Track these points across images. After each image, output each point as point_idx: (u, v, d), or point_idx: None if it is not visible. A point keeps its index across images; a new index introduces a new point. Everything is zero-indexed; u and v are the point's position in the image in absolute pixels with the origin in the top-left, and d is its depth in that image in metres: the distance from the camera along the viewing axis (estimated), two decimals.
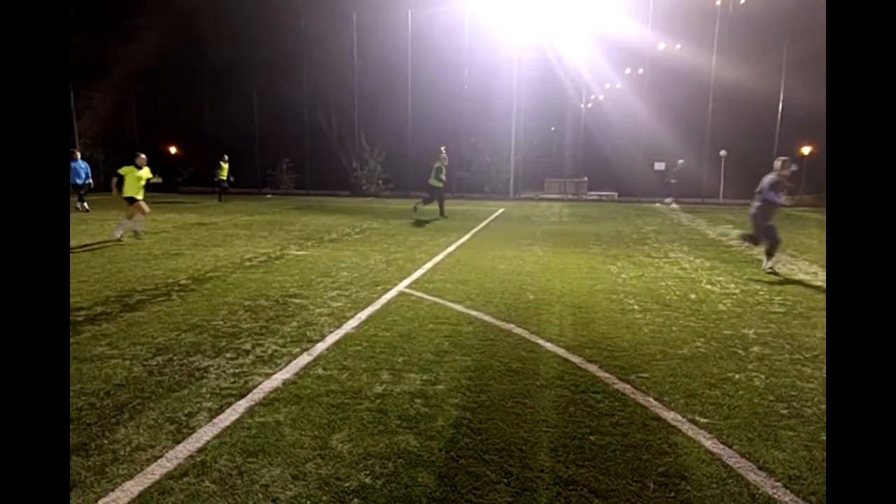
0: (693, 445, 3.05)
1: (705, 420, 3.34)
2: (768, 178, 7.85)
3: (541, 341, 4.77)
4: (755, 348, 4.66)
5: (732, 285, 7.08)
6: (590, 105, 27.02)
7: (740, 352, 4.57)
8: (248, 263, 8.20)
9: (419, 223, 13.82)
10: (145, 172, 10.56)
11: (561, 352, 4.52)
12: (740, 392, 3.76)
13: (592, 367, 4.18)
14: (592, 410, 3.47)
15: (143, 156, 10.55)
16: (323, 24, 24.95)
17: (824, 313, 5.76)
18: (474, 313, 5.62)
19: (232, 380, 3.86)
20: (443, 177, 14.39)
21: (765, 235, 7.98)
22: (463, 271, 7.76)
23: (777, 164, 7.89)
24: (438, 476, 2.73)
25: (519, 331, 5.06)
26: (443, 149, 14.97)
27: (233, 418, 3.29)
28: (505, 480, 2.71)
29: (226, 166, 21.30)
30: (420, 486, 2.65)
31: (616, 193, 24.44)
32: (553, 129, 30.57)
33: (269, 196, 24.79)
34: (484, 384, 3.85)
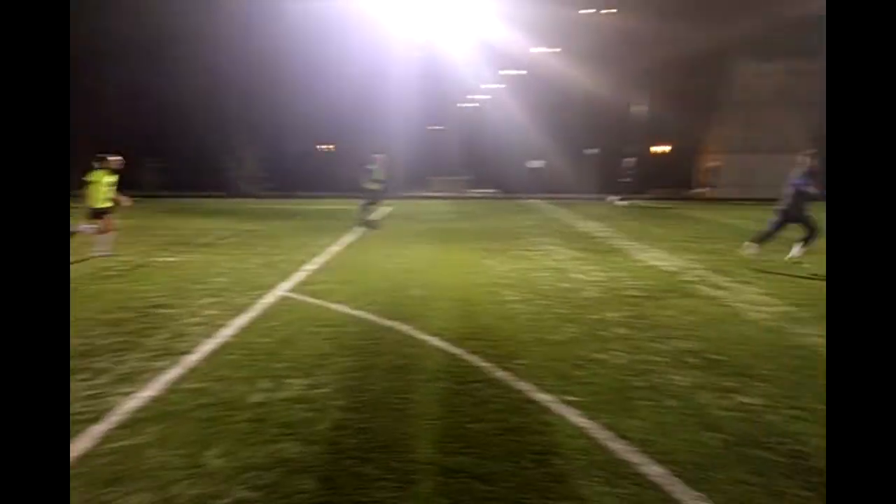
0: (564, 423, 3.29)
1: (574, 399, 3.60)
2: (799, 171, 8.12)
3: (426, 336, 4.86)
4: (617, 329, 5.11)
5: (600, 274, 7.68)
6: (472, 105, 27.86)
7: (605, 334, 4.99)
8: (106, 273, 7.48)
9: (300, 227, 13.41)
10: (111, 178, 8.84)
11: (445, 345, 4.64)
12: (605, 370, 4.10)
13: (474, 358, 4.33)
14: (474, 399, 3.61)
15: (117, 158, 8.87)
16: (194, 16, 23.34)
17: (675, 295, 6.45)
18: (358, 313, 5.59)
19: (85, 403, 3.51)
20: (378, 178, 14.03)
21: (805, 223, 8.13)
22: (347, 272, 7.68)
23: (803, 158, 8.26)
24: (321, 480, 2.70)
25: (404, 328, 5.11)
26: (377, 154, 14.57)
27: (86, 446, 3.00)
28: (388, 476, 2.74)
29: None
30: (302, 492, 2.60)
31: (497, 191, 25.45)
32: (436, 128, 31.10)
33: (127, 200, 22.68)
34: (368, 383, 3.85)
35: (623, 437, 3.12)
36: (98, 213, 8.70)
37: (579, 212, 17.28)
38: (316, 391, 3.71)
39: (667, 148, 24.76)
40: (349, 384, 3.84)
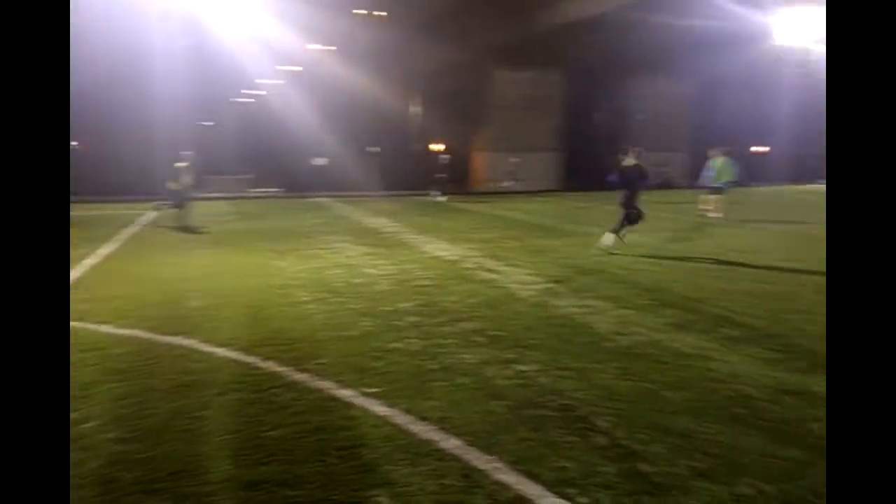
0: (366, 415, 3.36)
1: (375, 390, 3.70)
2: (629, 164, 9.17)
3: (213, 348, 4.50)
4: (410, 318, 5.36)
5: (390, 267, 7.94)
6: (250, 100, 26.26)
7: (399, 324, 5.20)
8: None
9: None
10: None
11: (236, 355, 4.36)
12: (401, 358, 4.29)
13: (270, 364, 4.16)
14: (272, 406, 3.47)
15: None
16: None
17: (458, 281, 6.99)
18: (128, 332, 4.93)
19: None
20: (185, 179, 12.71)
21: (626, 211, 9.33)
22: (111, 285, 6.69)
23: (632, 152, 9.33)
24: None
25: (186, 342, 4.66)
26: (185, 152, 13.02)
27: None
28: None
29: None
30: None
31: (281, 189, 24.50)
32: (206, 123, 28.60)
33: None
34: (148, 408, 3.44)
35: (423, 418, 3.30)
36: None
37: (366, 208, 17.59)
38: (81, 426, 3.19)
39: (442, 146, 26.55)
40: (123, 412, 3.38)
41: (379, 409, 3.43)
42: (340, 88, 23.79)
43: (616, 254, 8.90)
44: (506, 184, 25.36)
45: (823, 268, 6.50)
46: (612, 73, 27.77)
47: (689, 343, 4.62)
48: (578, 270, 7.67)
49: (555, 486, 2.62)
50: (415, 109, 26.19)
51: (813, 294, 6.23)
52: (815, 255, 8.72)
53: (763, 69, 28.39)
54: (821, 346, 4.51)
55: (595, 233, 11.45)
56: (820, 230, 11.70)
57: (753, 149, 30.39)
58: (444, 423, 3.23)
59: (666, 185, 29.17)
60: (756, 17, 18.81)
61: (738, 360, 4.24)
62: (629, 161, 9.49)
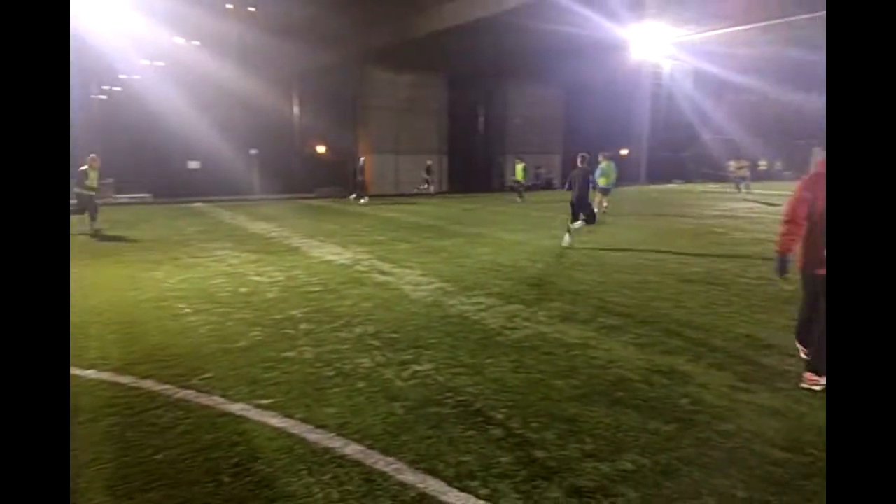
0: (261, 428, 3.21)
1: (269, 401, 3.56)
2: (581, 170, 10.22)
3: (78, 371, 4.05)
4: (302, 325, 5.21)
5: (277, 274, 7.65)
6: (103, 97, 23.89)
7: (291, 331, 5.03)
8: None
9: None
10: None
11: (107, 376, 3.97)
12: (295, 367, 4.15)
13: (149, 383, 3.84)
14: (154, 428, 3.21)
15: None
16: None
17: (351, 285, 6.91)
18: None
19: None
20: (89, 183, 12.04)
21: (585, 211, 10.27)
22: None
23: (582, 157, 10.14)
24: None
25: None
26: (92, 154, 12.39)
27: None
28: None
29: None
30: None
31: (150, 195, 22.62)
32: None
33: None
34: None
35: (320, 426, 3.23)
36: None
37: (247, 213, 16.77)
38: None
39: (322, 148, 26.00)
40: None
41: (274, 420, 3.31)
42: (214, 87, 22.45)
43: (573, 248, 9.28)
44: (424, 186, 25.65)
45: (683, 258, 7.20)
46: (491, 77, 28.91)
47: (573, 334, 4.95)
48: (468, 270, 7.89)
49: (456, 481, 2.69)
50: (295, 111, 25.39)
51: (676, 283, 6.93)
52: (675, 246, 9.70)
53: (624, 78, 31.03)
54: (684, 330, 5.04)
55: (483, 233, 11.84)
56: (677, 224, 13.03)
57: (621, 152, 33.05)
58: (343, 430, 3.19)
59: (546, 186, 30.91)
60: (617, 30, 20.52)
61: (615, 346, 4.61)
62: (580, 165, 10.51)
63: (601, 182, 14.84)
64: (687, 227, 12.67)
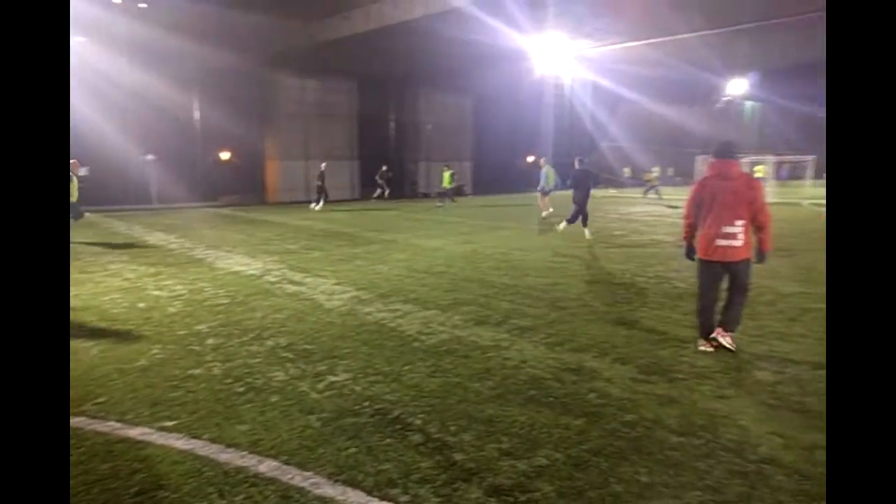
0: (165, 452, 3.02)
1: (173, 423, 3.35)
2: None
3: None
4: (209, 340, 4.95)
5: (180, 287, 7.21)
6: None
7: (197, 347, 4.76)
8: None
9: None
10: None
11: None
12: (202, 385, 3.94)
13: None
14: None
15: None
16: None
17: (262, 296, 6.65)
18: None
19: None
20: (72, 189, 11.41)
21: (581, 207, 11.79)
22: None
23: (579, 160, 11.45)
24: None
25: None
26: (73, 160, 11.49)
27: None
28: None
29: None
30: None
31: None
32: None
33: None
34: None
35: (231, 445, 3.09)
36: None
37: (144, 223, 15.69)
38: None
39: (227, 154, 24.87)
40: None
41: (179, 443, 3.11)
42: (104, 87, 20.80)
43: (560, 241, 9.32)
44: (377, 193, 25.54)
45: (586, 260, 7.59)
46: (403, 83, 29.03)
47: (487, 336, 5.06)
48: (384, 277, 7.86)
49: (376, 490, 2.66)
50: (197, 114, 24.10)
51: (581, 283, 7.29)
52: (580, 249, 10.21)
53: (530, 88, 32.27)
54: (590, 328, 5.31)
55: (397, 240, 11.83)
56: (579, 229, 13.71)
57: (528, 159, 34.29)
58: (256, 447, 3.07)
59: (457, 193, 31.35)
60: (521, 41, 21.33)
61: (527, 346, 4.78)
62: (578, 167, 11.83)
63: (545, 184, 16.39)
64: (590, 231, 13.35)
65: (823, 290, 6.75)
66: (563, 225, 12.19)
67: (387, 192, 25.51)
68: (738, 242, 4.43)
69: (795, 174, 38.19)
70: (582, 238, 11.90)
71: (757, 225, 4.49)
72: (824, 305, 5.99)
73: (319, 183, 20.46)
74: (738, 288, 4.58)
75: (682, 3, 18.65)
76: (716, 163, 4.61)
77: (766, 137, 51.49)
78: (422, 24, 18.43)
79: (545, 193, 16.56)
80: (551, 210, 16.37)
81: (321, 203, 20.32)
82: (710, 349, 4.61)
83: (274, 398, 3.72)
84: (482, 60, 24.04)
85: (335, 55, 22.93)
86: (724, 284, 4.67)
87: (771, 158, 29.81)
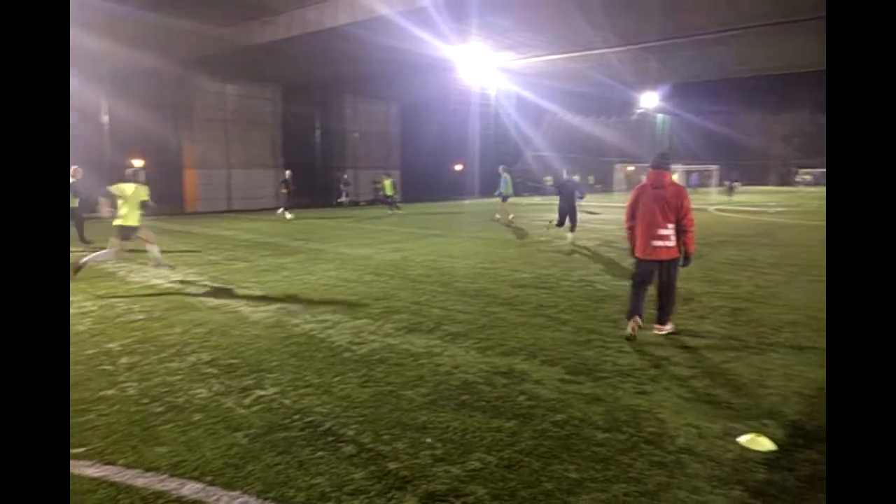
0: (75, 481, 2.80)
1: (83, 449, 3.11)
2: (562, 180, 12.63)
3: None
4: (123, 359, 4.65)
5: (89, 303, 6.73)
6: None
7: (109, 367, 4.46)
8: None
9: None
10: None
11: None
12: (115, 407, 3.69)
13: None
14: None
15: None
16: None
17: (182, 310, 6.32)
18: None
19: None
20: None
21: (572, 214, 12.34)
22: None
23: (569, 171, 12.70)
24: None
25: None
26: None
27: None
28: None
29: None
30: None
31: None
32: None
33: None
34: None
35: (150, 469, 2.91)
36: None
37: None
38: None
39: (141, 162, 23.54)
40: None
41: (90, 470, 2.90)
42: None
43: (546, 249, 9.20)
44: (344, 199, 25.58)
45: (514, 266, 7.79)
46: (328, 90, 28.62)
47: (419, 343, 5.07)
48: (312, 287, 7.69)
49: None
50: (105, 118, 22.64)
51: (510, 288, 7.45)
52: (508, 255, 10.44)
53: (457, 98, 32.76)
54: (519, 331, 5.44)
55: (325, 249, 11.62)
56: (508, 235, 14.02)
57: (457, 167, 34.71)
58: (177, 469, 2.91)
59: (381, 201, 31.20)
60: (447, 51, 21.63)
61: (459, 352, 4.82)
62: (566, 177, 12.87)
63: (504, 191, 17.41)
64: (516, 238, 13.69)
65: (728, 289, 7.28)
66: (553, 230, 13.23)
67: (346, 199, 26.05)
68: (671, 243, 5.00)
69: (702, 182, 40.94)
70: (512, 245, 12.17)
71: (682, 229, 5.00)
72: (730, 304, 6.40)
73: (285, 190, 20.18)
74: (668, 286, 5.13)
75: (599, 21, 19.61)
76: (652, 173, 5.13)
77: (675, 148, 54.99)
78: (347, 32, 18.29)
79: (504, 199, 17.51)
80: (512, 216, 17.34)
81: (284, 210, 20.03)
82: (633, 331, 5.10)
83: (196, 416, 3.54)
84: (409, 69, 24.16)
85: (257, 60, 22.27)
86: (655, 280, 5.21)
87: (681, 167, 31.82)
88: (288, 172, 20.83)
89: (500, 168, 17.94)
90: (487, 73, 29.77)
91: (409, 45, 19.58)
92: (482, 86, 32.99)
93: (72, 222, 11.56)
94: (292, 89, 27.02)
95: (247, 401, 3.80)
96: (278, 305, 6.59)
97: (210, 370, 4.39)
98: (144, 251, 8.76)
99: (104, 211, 8.53)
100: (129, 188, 7.87)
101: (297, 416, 3.55)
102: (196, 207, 24.28)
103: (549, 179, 29.28)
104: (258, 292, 7.34)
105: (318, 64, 23.00)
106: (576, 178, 13.53)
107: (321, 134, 29.23)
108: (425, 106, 32.50)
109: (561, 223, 12.70)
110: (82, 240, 11.94)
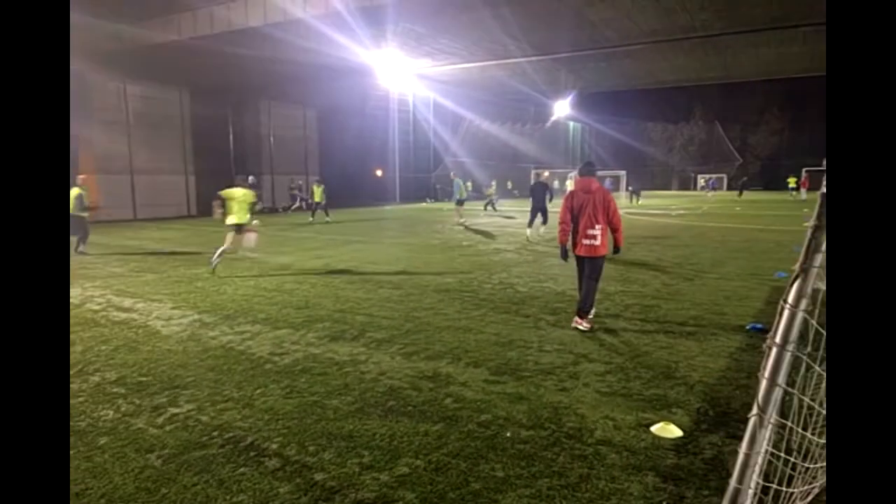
0: None
1: None
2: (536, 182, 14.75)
3: None
4: None
5: None
6: None
7: None
8: None
9: None
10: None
11: None
12: None
13: None
14: None
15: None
16: None
17: (82, 327, 5.86)
18: None
19: None
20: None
21: (543, 212, 14.35)
22: None
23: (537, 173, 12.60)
24: None
25: None
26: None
27: None
28: None
29: None
30: None
31: None
32: None
33: None
34: None
35: None
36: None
37: None
38: None
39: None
40: None
41: None
42: None
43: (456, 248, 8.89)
44: (295, 205, 25.54)
45: (438, 271, 7.87)
46: (242, 93, 27.58)
47: (343, 351, 5.00)
48: (229, 297, 7.37)
49: None
50: None
51: (433, 293, 7.51)
52: (431, 260, 10.52)
53: (376, 103, 32.63)
54: (443, 335, 5.50)
55: (239, 257, 11.17)
56: (430, 240, 14.12)
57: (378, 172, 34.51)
58: (82, 498, 2.70)
59: (308, 207, 30.50)
60: (363, 56, 21.49)
61: (384, 358, 4.80)
62: (538, 180, 14.94)
63: (459, 195, 19.35)
64: (438, 243, 13.82)
65: (638, 287, 7.73)
66: (528, 231, 14.28)
67: (301, 204, 26.33)
68: (598, 242, 5.58)
69: (613, 187, 43.26)
70: (435, 250, 12.27)
71: (612, 227, 5.65)
72: (641, 301, 6.79)
73: (294, 190, 20.58)
74: (592, 277, 5.68)
75: (513, 31, 20.24)
76: (580, 180, 5.73)
77: (587, 155, 57.73)
78: (259, 32, 17.74)
79: (460, 203, 19.48)
80: (464, 219, 19.19)
81: (316, 212, 21.05)
82: (582, 326, 5.69)
83: (102, 440, 3.30)
84: (326, 72, 23.78)
85: (162, 60, 21.11)
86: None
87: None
88: (252, 178, 20.67)
89: (452, 174, 20.24)
90: (405, 79, 29.91)
91: (326, 49, 19.29)
92: (400, 92, 33.09)
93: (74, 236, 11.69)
94: (203, 91, 25.81)
95: (160, 420, 3.58)
96: (193, 318, 6.27)
97: (117, 389, 4.10)
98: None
99: (216, 214, 9.85)
100: (238, 192, 9.13)
101: (215, 433, 3.39)
102: (94, 216, 22.50)
103: (468, 185, 30.02)
104: (170, 305, 6.95)
105: (230, 66, 22.12)
106: (545, 177, 15.73)
107: (235, 139, 28.10)
108: (344, 111, 32.12)
109: (531, 223, 14.15)
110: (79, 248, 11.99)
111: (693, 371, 4.44)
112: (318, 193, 21.96)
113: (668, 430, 3.38)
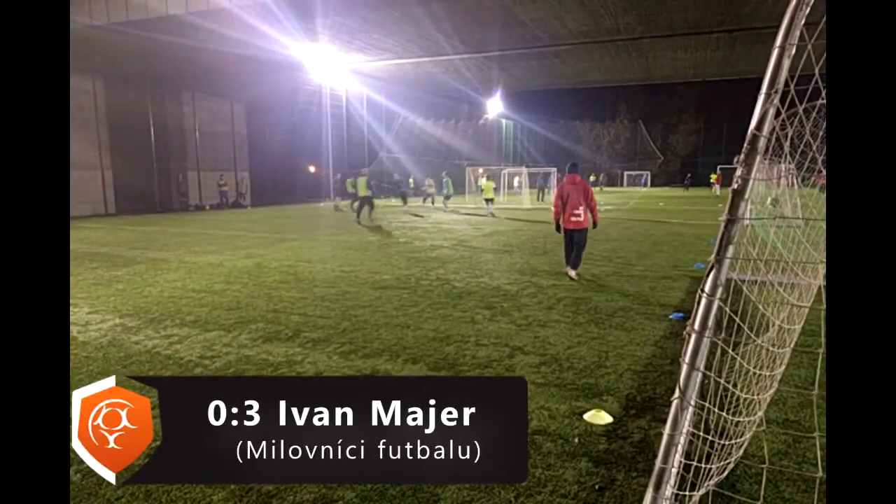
0: None
1: None
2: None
3: None
4: None
5: None
6: None
7: None
8: None
9: None
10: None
11: None
12: None
13: None
14: None
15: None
16: None
17: None
18: None
19: None
20: None
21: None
22: None
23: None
24: None
25: None
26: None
27: None
28: None
29: None
30: None
31: None
32: None
33: None
34: None
35: None
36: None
37: None
38: None
39: None
40: None
41: None
42: None
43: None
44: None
45: (374, 268, 7.80)
46: (164, 85, 26.22)
47: (278, 352, 4.88)
48: (154, 300, 7.01)
49: None
50: None
51: (371, 290, 7.46)
52: (366, 257, 10.43)
53: (308, 98, 31.90)
54: (382, 332, 5.48)
55: (167, 258, 10.67)
56: (366, 237, 14.01)
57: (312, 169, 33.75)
58: None
59: (233, 203, 29.43)
60: (294, 49, 20.96)
61: (321, 358, 4.73)
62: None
63: (447, 191, 22.93)
64: (374, 239, 13.73)
65: (569, 281, 8.01)
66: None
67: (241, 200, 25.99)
68: (581, 218, 7.98)
69: (548, 184, 44.41)
70: (370, 247, 12.17)
71: (590, 208, 8.01)
72: (572, 294, 7.03)
73: (362, 194, 18.34)
74: (579, 246, 8.08)
75: (446, 28, 20.35)
76: (567, 176, 8.14)
77: (518, 152, 58.94)
78: (179, 19, 16.92)
79: (447, 198, 23.03)
80: (448, 209, 21.50)
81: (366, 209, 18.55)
82: (568, 274, 8.15)
83: None
84: (255, 65, 23.03)
85: (73, 47, 19.70)
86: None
87: (524, 170, 34.16)
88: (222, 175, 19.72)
89: (443, 173, 24.19)
90: (339, 74, 29.43)
91: (254, 40, 18.67)
92: (333, 87, 32.53)
93: None
94: (120, 81, 24.34)
95: None
96: (114, 322, 5.93)
97: None
98: None
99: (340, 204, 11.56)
100: (360, 181, 15.35)
101: None
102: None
103: (410, 182, 30.14)
104: (87, 309, 6.53)
105: (150, 53, 20.98)
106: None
107: (157, 131, 26.68)
108: (274, 105, 31.22)
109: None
110: None
111: (622, 360, 4.66)
112: (362, 186, 18.36)
113: (600, 417, 3.54)
